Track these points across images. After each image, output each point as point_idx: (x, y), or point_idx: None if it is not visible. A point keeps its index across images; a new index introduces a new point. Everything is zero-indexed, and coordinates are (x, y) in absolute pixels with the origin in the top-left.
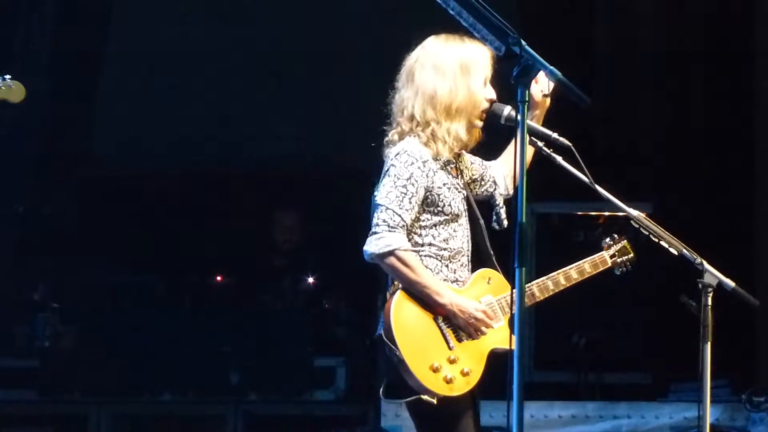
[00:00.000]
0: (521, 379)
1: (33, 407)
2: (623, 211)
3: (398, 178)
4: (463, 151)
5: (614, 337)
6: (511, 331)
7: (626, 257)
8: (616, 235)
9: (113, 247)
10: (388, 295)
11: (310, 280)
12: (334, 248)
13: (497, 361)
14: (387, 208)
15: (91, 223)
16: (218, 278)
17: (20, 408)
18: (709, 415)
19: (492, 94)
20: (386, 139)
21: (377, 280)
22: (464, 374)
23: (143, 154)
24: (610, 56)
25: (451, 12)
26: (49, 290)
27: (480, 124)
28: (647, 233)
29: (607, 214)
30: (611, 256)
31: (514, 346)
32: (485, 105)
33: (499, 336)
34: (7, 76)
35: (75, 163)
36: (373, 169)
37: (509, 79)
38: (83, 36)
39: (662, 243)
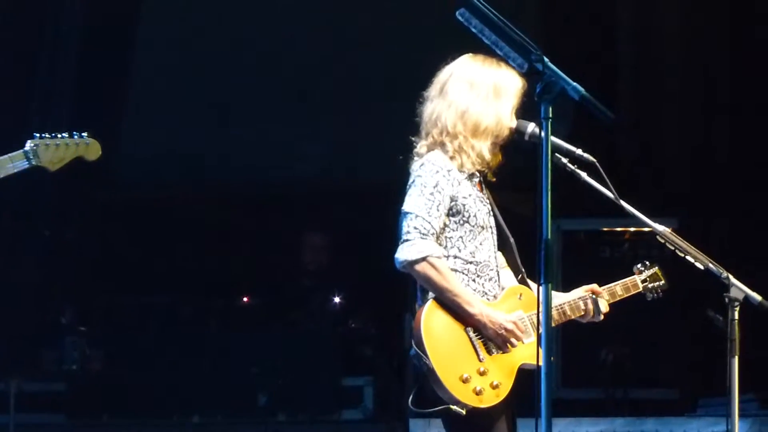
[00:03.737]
0: (549, 395)
1: (61, 430)
2: (649, 226)
3: (425, 187)
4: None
5: (641, 352)
6: (539, 346)
7: (657, 284)
8: (648, 262)
9: (140, 269)
10: (417, 307)
11: (337, 300)
12: (360, 268)
13: (525, 377)
14: (417, 216)
15: (118, 245)
16: (245, 299)
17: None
18: (738, 429)
19: (515, 123)
20: (415, 150)
21: (404, 299)
22: (494, 387)
23: (169, 176)
24: (635, 70)
25: (473, 30)
26: (76, 313)
27: (501, 145)
28: (673, 248)
29: (632, 229)
30: (642, 281)
31: (541, 362)
32: (507, 132)
33: (529, 352)
34: (84, 134)
35: (100, 186)
36: (399, 189)
37: (532, 96)
38: (107, 59)
39: (688, 258)
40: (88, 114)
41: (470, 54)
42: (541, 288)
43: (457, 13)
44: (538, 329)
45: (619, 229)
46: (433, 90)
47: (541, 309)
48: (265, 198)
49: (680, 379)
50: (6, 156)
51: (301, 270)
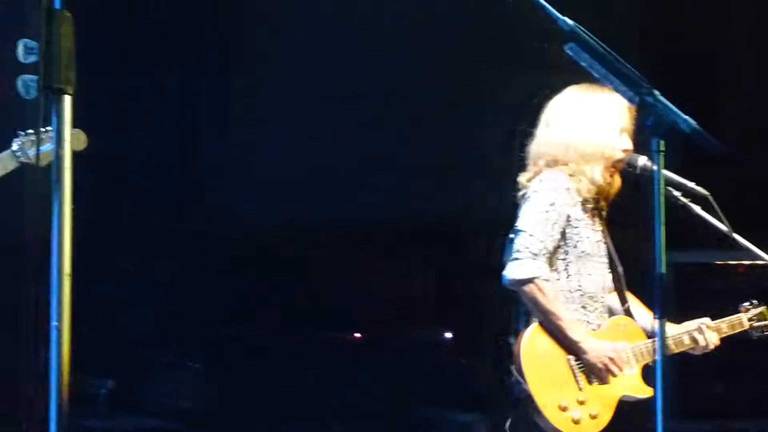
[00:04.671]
0: (665, 429)
1: None
2: (762, 259)
3: (541, 204)
4: (605, 209)
5: (755, 384)
6: (652, 383)
7: (764, 323)
8: (755, 300)
9: (247, 304)
10: (519, 329)
11: (448, 335)
12: (470, 302)
13: (639, 409)
14: (530, 234)
15: (228, 280)
16: (356, 335)
17: None
18: None
19: (628, 144)
20: (521, 181)
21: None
22: (593, 417)
23: (275, 209)
24: (746, 101)
25: (583, 64)
26: (186, 349)
27: (615, 174)
28: None
29: (746, 263)
30: (749, 320)
31: (658, 398)
32: (620, 155)
33: (631, 384)
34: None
35: (209, 220)
36: (506, 223)
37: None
38: (205, 89)
39: None
40: (186, 147)
41: (574, 84)
42: (657, 323)
43: (566, 47)
44: (650, 363)
45: (732, 262)
46: (539, 125)
47: (657, 344)
48: (369, 232)
49: None
50: None
51: (407, 304)
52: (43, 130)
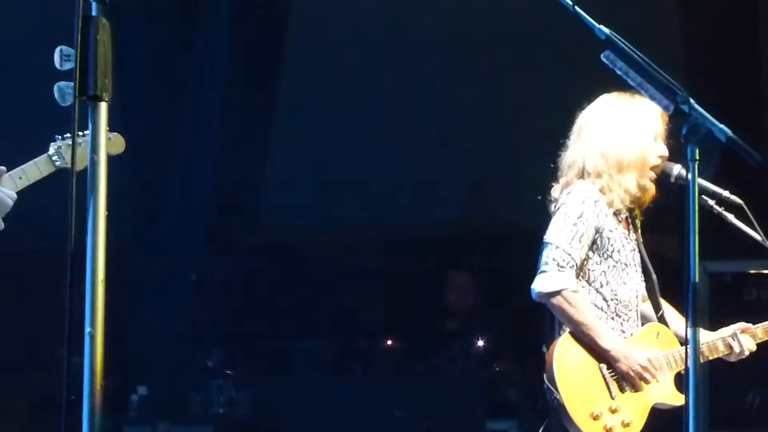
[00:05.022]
0: None
1: None
2: None
3: (569, 216)
4: (640, 217)
5: None
6: (685, 389)
7: None
8: None
9: (284, 313)
10: (553, 339)
11: (481, 342)
12: (504, 311)
13: (673, 418)
14: (557, 247)
15: (262, 289)
16: (389, 342)
17: None
18: None
19: (663, 150)
20: (552, 192)
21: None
22: (625, 425)
23: (313, 219)
24: None
25: (618, 72)
26: (222, 357)
27: (649, 182)
28: None
29: None
30: None
31: (690, 405)
32: (656, 161)
33: (664, 391)
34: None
35: (245, 229)
36: (539, 230)
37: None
38: (252, 101)
39: None
40: (233, 157)
41: (605, 93)
42: (689, 331)
43: (602, 55)
44: (683, 370)
45: (766, 271)
46: (572, 135)
47: (689, 353)
48: (406, 240)
49: None
50: (30, 162)
51: (444, 313)
52: (80, 134)
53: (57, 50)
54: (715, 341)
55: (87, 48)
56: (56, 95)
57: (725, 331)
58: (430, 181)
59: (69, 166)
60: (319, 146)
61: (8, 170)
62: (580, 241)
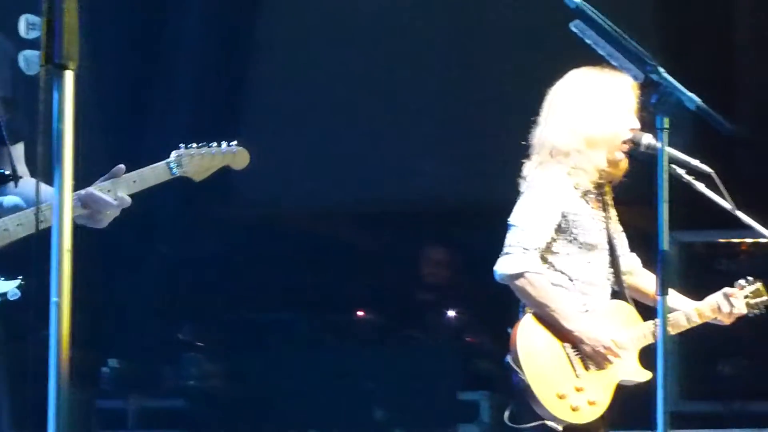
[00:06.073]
0: (667, 408)
1: None
2: (766, 237)
3: (534, 199)
4: (610, 192)
5: (760, 364)
6: (649, 367)
7: (760, 299)
8: (751, 277)
9: (257, 286)
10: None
11: (453, 314)
12: (476, 283)
13: (643, 389)
14: (522, 229)
15: (235, 262)
16: (360, 314)
17: None
18: None
19: (635, 123)
20: (524, 170)
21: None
22: (591, 403)
23: (286, 192)
24: (753, 79)
25: (588, 41)
26: (194, 330)
27: (620, 155)
28: None
29: (750, 241)
30: (744, 297)
31: (659, 375)
32: (627, 135)
33: (629, 368)
34: (233, 143)
35: (219, 203)
36: (512, 206)
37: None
38: (227, 67)
39: None
40: (206, 132)
41: (575, 68)
42: (658, 300)
43: (571, 24)
44: (646, 345)
45: (736, 240)
46: (542, 111)
47: (658, 320)
48: (380, 214)
49: None
50: (148, 167)
51: (417, 285)
52: (214, 145)
53: (22, 18)
54: (676, 316)
55: (53, 16)
56: (21, 64)
57: (712, 297)
58: (405, 154)
59: (186, 175)
60: (292, 119)
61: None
62: (544, 224)
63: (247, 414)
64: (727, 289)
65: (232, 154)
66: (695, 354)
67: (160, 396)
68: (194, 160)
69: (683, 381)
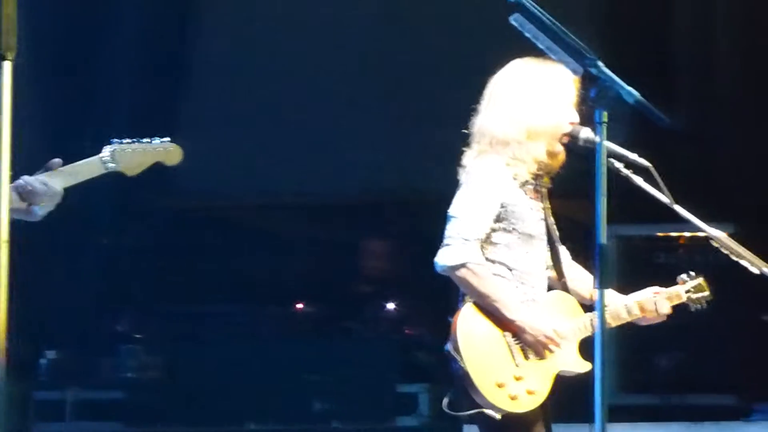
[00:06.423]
0: (604, 401)
1: None
2: (704, 231)
3: (473, 191)
4: (548, 183)
5: (698, 358)
6: (588, 358)
7: (701, 294)
8: (692, 272)
9: (196, 278)
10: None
11: (392, 306)
12: (415, 275)
13: (581, 382)
14: (461, 220)
15: (174, 253)
16: (299, 306)
17: None
18: None
19: (575, 116)
20: (464, 159)
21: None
22: (530, 392)
23: (225, 184)
24: (691, 73)
25: (527, 35)
26: (132, 322)
27: (560, 147)
28: (728, 252)
29: (688, 234)
30: (686, 291)
31: (597, 367)
32: (567, 128)
33: (569, 359)
34: (167, 139)
35: (157, 194)
36: (452, 197)
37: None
38: (161, 65)
39: (743, 262)
40: (143, 122)
41: (517, 58)
42: (597, 293)
43: (511, 18)
44: (586, 336)
45: (674, 234)
46: (483, 100)
47: (597, 314)
48: (319, 205)
49: (736, 384)
50: (82, 162)
51: (356, 277)
52: (147, 140)
53: None
54: (617, 308)
55: None
56: None
57: (638, 295)
58: (344, 146)
59: (119, 170)
60: (232, 111)
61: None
62: (484, 215)
63: (185, 406)
64: (655, 288)
65: (165, 150)
66: (633, 347)
67: (98, 387)
68: (127, 155)
69: (621, 374)
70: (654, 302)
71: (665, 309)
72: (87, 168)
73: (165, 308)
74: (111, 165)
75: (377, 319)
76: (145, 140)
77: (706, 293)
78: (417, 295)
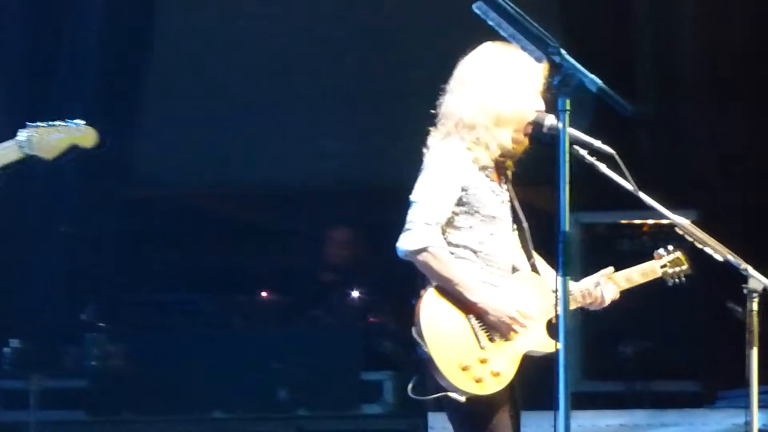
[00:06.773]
0: (568, 388)
1: (82, 427)
2: (668, 218)
3: (434, 175)
4: (512, 167)
5: (662, 345)
6: (556, 339)
7: (679, 268)
8: (671, 246)
9: (161, 266)
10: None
11: (356, 295)
12: (379, 264)
13: (544, 370)
14: (422, 205)
15: (139, 242)
16: (265, 295)
17: (69, 428)
18: (757, 421)
19: (541, 105)
20: (429, 139)
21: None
22: (495, 374)
23: (190, 172)
24: (654, 61)
25: (490, 23)
26: (97, 310)
27: (523, 136)
28: (692, 239)
29: (651, 222)
30: (662, 266)
31: (560, 356)
32: (533, 116)
33: (536, 339)
34: (81, 122)
35: (121, 183)
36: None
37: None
38: (124, 56)
39: (707, 249)
40: (107, 111)
41: (488, 42)
42: (560, 281)
43: (474, 6)
44: (555, 317)
45: (638, 221)
46: (452, 82)
47: (560, 302)
48: (284, 194)
49: (701, 371)
50: None
51: (321, 265)
52: (61, 123)
53: None
54: (586, 288)
55: None
56: None
57: (588, 280)
58: (308, 135)
59: (36, 153)
60: (196, 100)
61: None
62: (444, 199)
63: (150, 395)
64: (607, 270)
65: (79, 132)
66: (597, 334)
67: (62, 376)
68: (42, 138)
69: (585, 361)
70: (598, 289)
71: (611, 295)
72: (4, 153)
73: (129, 297)
74: (28, 149)
75: (342, 307)
76: (59, 123)
77: (685, 266)
78: (381, 283)
